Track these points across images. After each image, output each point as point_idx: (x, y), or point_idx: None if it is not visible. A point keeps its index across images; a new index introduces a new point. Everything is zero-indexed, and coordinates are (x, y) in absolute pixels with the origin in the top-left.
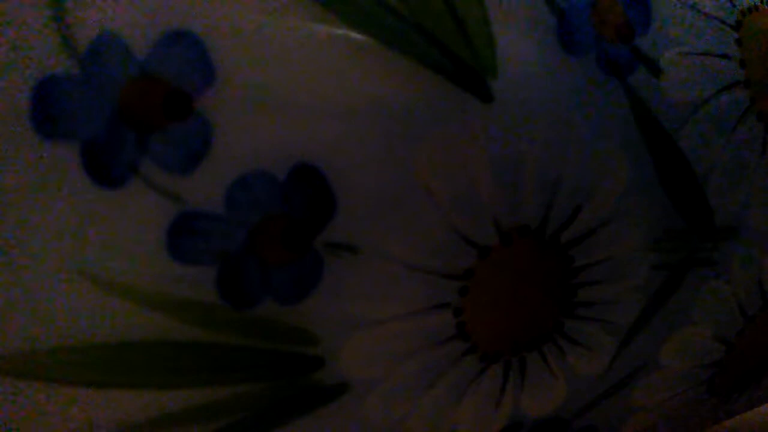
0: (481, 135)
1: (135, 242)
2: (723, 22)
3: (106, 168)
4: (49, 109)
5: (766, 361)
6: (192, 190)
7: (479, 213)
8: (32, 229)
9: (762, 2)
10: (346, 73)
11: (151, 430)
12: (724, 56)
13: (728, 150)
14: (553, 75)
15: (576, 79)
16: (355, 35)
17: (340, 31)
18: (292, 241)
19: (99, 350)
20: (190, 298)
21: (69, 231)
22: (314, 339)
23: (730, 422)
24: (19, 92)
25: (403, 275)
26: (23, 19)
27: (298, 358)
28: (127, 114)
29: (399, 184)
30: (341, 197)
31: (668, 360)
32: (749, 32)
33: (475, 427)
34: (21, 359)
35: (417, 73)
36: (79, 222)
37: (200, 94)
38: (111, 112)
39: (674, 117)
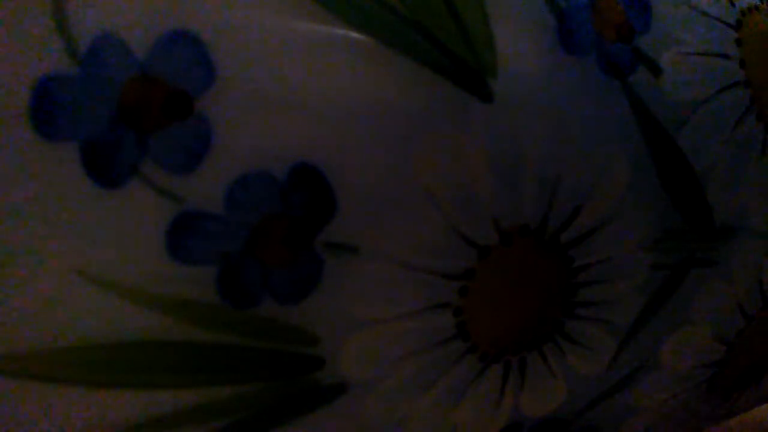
0: (481, 135)
1: (135, 242)
2: (723, 22)
3: (106, 168)
4: (49, 109)
5: (766, 361)
6: (192, 190)
7: (479, 213)
8: (32, 229)
9: (762, 2)
10: (346, 73)
11: (151, 430)
12: (724, 56)
13: (728, 150)
14: (553, 75)
15: (576, 79)
16: (355, 35)
17: (340, 31)
18: (292, 241)
19: (99, 350)
20: (190, 298)
21: (69, 231)
22: (314, 339)
23: (730, 422)
24: (19, 92)
25: (403, 275)
26: (23, 18)
27: (298, 358)
28: (127, 114)
29: (399, 184)
30: (341, 197)
31: (668, 360)
32: (749, 32)
33: (475, 427)
34: (21, 359)
35: (417, 73)
36: (79, 222)
37: (200, 94)
38: (111, 112)
39: (674, 117)
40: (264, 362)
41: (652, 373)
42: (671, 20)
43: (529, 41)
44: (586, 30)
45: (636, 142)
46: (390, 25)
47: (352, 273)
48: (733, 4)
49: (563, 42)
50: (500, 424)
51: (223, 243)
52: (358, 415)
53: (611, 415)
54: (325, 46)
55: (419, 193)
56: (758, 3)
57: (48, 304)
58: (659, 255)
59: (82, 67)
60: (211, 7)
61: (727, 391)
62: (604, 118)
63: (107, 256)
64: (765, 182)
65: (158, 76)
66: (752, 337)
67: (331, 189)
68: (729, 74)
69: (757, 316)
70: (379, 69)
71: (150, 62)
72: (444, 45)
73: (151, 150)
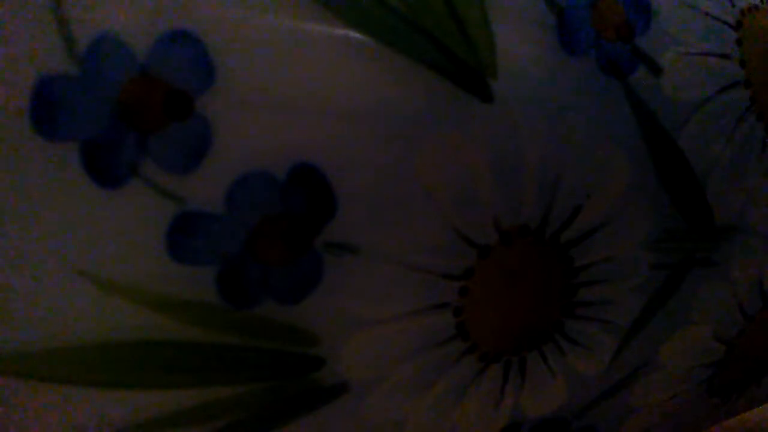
0: (481, 135)
1: (135, 242)
2: (723, 22)
3: (106, 168)
4: (49, 109)
5: (766, 361)
6: (192, 190)
7: (479, 213)
8: (32, 229)
9: (762, 2)
10: (346, 73)
11: (152, 430)
12: (724, 56)
13: (728, 150)
14: (553, 75)
15: (576, 79)
16: (355, 35)
17: (340, 31)
18: (292, 241)
19: (99, 350)
20: (190, 298)
21: (69, 231)
22: (314, 339)
23: (730, 422)
24: (19, 92)
25: (403, 275)
26: (23, 18)
27: (298, 358)
28: (127, 114)
29: (399, 183)
30: (341, 197)
31: (668, 360)
32: (749, 32)
33: (475, 427)
34: (21, 359)
35: (417, 73)
36: (79, 222)
37: (200, 94)
38: (111, 112)
39: (674, 117)
40: (264, 362)
41: (652, 373)
42: (671, 20)
43: (529, 41)
44: (586, 30)
45: (636, 142)
46: (390, 25)
47: (352, 273)
48: (733, 4)
49: (563, 42)
50: (500, 424)
51: (223, 243)
52: (358, 415)
53: (611, 415)
54: (325, 46)
55: (419, 193)
56: (758, 3)
57: (48, 304)
58: (659, 255)
59: (82, 67)
60: (211, 8)
61: (727, 391)
62: (604, 118)
63: (107, 256)
64: (765, 182)
65: (158, 76)
66: (752, 337)
67: (331, 189)
68: (729, 74)
69: (757, 316)
70: (379, 69)
71: (150, 62)
72: (444, 45)
73: (151, 150)
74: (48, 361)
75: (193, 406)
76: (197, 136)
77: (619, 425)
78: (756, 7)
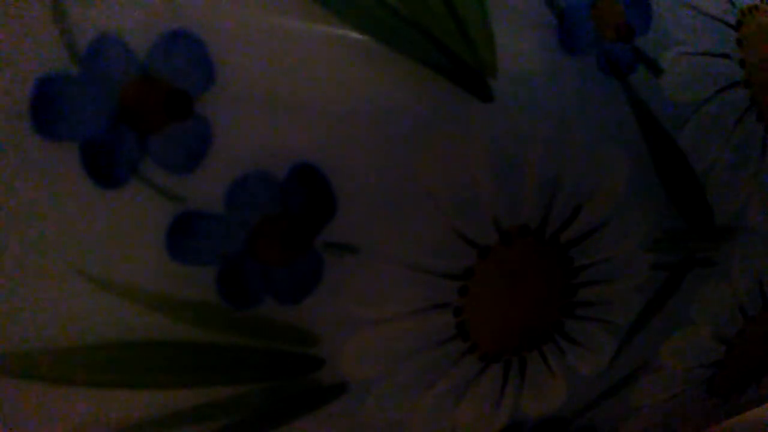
0: (481, 135)
1: (135, 242)
2: (723, 22)
3: (106, 168)
4: (49, 108)
5: (766, 361)
6: (192, 190)
7: (479, 213)
8: (32, 228)
9: (762, 2)
10: (345, 73)
11: (151, 430)
12: (724, 56)
13: (728, 150)
14: (553, 75)
15: (576, 79)
16: (355, 35)
17: (340, 31)
18: (292, 241)
19: (99, 350)
20: (190, 298)
21: (69, 231)
22: (314, 339)
23: (730, 422)
24: (19, 92)
25: (403, 275)
26: (24, 18)
27: (298, 358)
28: (128, 114)
29: (399, 183)
30: (341, 197)
31: (668, 360)
32: (749, 32)
33: (475, 427)
34: (21, 359)
35: (417, 73)
36: (79, 222)
37: (200, 94)
38: (111, 112)
39: (674, 117)
40: (264, 362)
41: (652, 373)
42: (671, 20)
43: (529, 41)
44: (586, 29)
45: (636, 142)
46: (390, 25)
47: (352, 273)
48: (733, 4)
49: (563, 42)
50: (500, 424)
51: (223, 243)
52: (358, 415)
53: (611, 415)
54: (325, 46)
55: (419, 193)
56: (758, 3)
57: (48, 304)
58: (659, 255)
59: (82, 67)
60: (211, 7)
61: (727, 391)
62: (604, 118)
63: (107, 256)
64: (765, 182)
65: (158, 76)
66: (752, 337)
67: (331, 189)
68: (729, 74)
69: (757, 316)
70: (379, 69)
71: (150, 62)
72: (444, 45)
73: (151, 150)
74: (48, 361)
75: (193, 406)
76: (197, 136)
77: (619, 425)
78: (756, 7)
